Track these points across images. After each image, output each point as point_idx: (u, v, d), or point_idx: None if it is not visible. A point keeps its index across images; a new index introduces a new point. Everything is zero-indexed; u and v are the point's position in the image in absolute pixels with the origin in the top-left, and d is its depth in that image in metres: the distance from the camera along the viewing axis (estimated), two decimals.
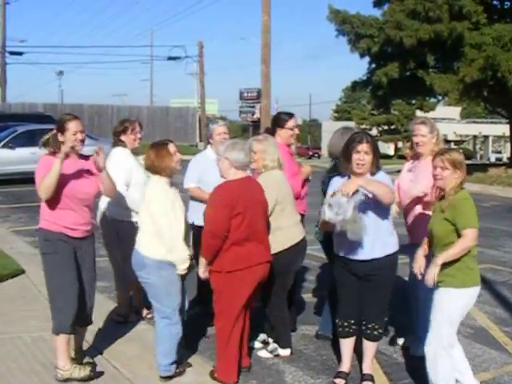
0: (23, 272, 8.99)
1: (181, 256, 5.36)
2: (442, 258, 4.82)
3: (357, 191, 5.07)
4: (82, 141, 5.48)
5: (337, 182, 5.43)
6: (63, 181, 5.33)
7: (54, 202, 5.38)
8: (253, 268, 5.43)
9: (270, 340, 6.38)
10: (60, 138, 5.42)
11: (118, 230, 6.67)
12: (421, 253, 5.21)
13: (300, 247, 6.13)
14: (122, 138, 6.82)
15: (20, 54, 45.78)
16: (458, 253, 4.81)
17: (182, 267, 5.40)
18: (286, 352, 6.21)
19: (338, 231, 5.24)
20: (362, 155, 5.26)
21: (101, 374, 5.63)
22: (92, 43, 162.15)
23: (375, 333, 5.54)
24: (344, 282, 5.56)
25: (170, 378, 5.52)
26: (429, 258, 5.13)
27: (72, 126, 5.43)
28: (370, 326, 5.52)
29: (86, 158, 5.60)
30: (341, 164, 5.54)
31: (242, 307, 5.48)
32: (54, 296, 5.46)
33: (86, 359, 5.80)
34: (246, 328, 5.71)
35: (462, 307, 4.98)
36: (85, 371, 5.54)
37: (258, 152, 5.99)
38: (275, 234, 5.86)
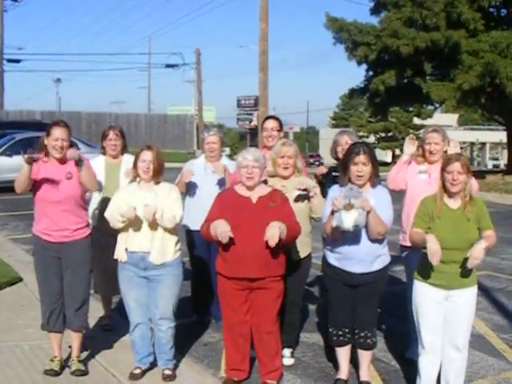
0: (21, 280, 8.98)
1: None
2: (486, 242, 4.88)
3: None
4: (62, 148, 5.57)
5: (335, 193, 5.39)
6: (38, 186, 5.57)
7: (35, 207, 5.72)
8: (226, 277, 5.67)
9: None
10: (45, 140, 5.62)
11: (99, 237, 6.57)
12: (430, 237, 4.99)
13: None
14: (103, 144, 6.89)
15: (18, 61, 45.78)
16: (493, 243, 4.97)
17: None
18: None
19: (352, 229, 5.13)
20: (360, 167, 5.26)
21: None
22: (90, 51, 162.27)
23: (368, 341, 5.54)
24: (338, 291, 5.54)
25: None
26: (413, 259, 5.23)
27: (54, 132, 5.58)
28: (362, 334, 5.52)
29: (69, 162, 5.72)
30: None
31: (227, 311, 5.71)
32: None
33: (78, 366, 5.81)
34: (263, 341, 5.68)
35: None
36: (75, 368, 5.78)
37: (294, 156, 6.00)
38: (309, 235, 6.11)
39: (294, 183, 5.90)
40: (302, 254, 6.02)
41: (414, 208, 5.29)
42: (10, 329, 7.00)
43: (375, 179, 5.37)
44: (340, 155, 6.31)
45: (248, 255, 5.32)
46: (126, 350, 6.14)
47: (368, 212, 5.05)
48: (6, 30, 75.35)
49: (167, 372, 5.70)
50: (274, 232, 5.17)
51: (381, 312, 5.65)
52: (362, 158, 5.26)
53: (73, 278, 5.71)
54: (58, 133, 5.56)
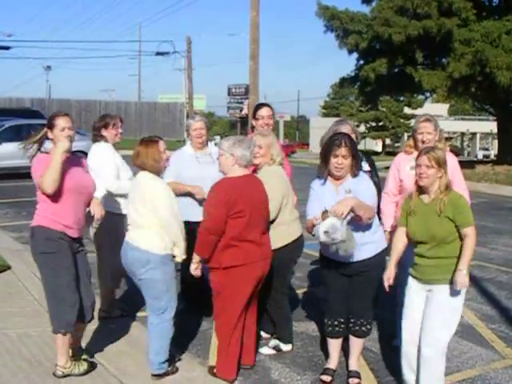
0: (9, 268, 8.93)
1: (184, 247, 5.41)
2: (464, 265, 4.72)
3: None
4: (69, 137, 5.33)
5: (316, 186, 5.43)
6: (65, 176, 5.21)
7: (55, 197, 5.22)
8: (250, 265, 5.32)
9: (265, 335, 6.43)
10: (50, 135, 5.35)
11: (107, 222, 6.39)
12: (393, 264, 5.12)
13: (299, 243, 6.12)
14: (104, 133, 6.76)
15: (7, 48, 45.35)
16: (472, 253, 4.77)
17: (184, 257, 5.44)
18: (288, 347, 6.25)
19: (332, 251, 5.14)
20: (340, 159, 5.20)
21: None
22: (80, 38, 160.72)
23: (363, 329, 5.53)
24: (333, 281, 5.53)
25: (160, 375, 5.48)
26: (408, 258, 5.15)
27: (60, 121, 5.35)
28: (358, 322, 5.51)
29: (73, 154, 5.52)
30: None
31: (242, 305, 5.40)
32: (54, 296, 5.31)
33: (84, 356, 5.70)
34: (251, 326, 5.65)
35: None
36: (83, 367, 5.51)
37: (265, 146, 5.91)
38: (276, 229, 5.86)
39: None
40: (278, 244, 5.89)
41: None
42: None
43: (356, 171, 5.30)
44: None
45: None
46: (114, 339, 6.13)
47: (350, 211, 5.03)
48: None
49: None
50: None
51: None
52: (343, 150, 5.19)
53: (85, 273, 5.57)
54: (62, 122, 5.38)
